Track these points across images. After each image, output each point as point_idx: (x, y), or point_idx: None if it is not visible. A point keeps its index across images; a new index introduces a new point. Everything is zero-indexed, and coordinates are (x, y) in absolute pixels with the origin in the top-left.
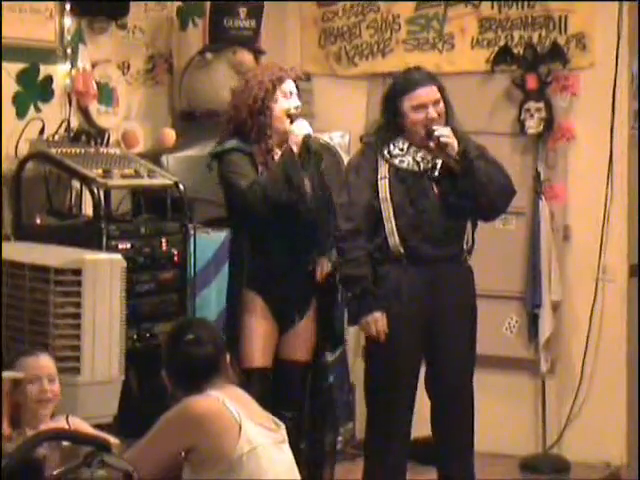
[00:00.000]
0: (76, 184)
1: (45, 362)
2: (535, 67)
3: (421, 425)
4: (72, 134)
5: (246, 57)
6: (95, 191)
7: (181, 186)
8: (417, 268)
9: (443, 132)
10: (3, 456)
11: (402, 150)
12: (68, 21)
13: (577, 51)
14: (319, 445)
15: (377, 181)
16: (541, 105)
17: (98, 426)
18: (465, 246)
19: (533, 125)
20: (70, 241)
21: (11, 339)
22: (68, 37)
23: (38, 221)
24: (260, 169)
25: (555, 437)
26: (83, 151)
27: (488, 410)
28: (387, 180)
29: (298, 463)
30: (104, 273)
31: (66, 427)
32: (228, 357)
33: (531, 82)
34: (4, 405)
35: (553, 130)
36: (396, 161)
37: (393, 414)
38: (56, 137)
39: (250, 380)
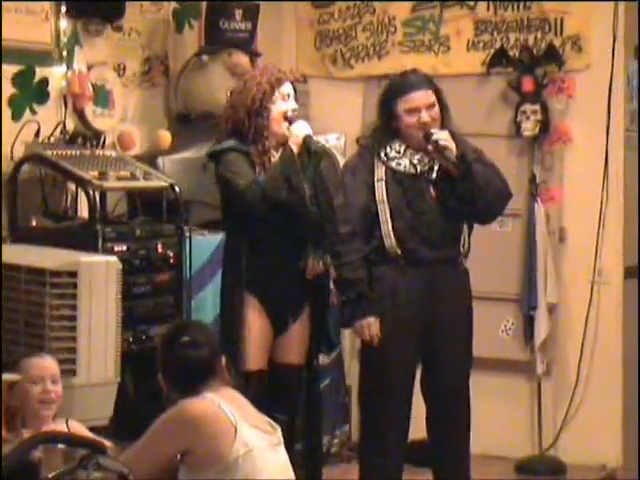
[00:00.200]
0: (72, 186)
1: (49, 363)
2: (531, 69)
3: (417, 427)
4: (68, 136)
5: (242, 59)
6: (91, 193)
7: (177, 188)
8: (414, 270)
9: (441, 136)
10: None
11: (399, 152)
12: (64, 23)
13: (573, 53)
14: (308, 447)
15: (374, 183)
16: (537, 107)
17: (94, 428)
18: (462, 249)
19: (529, 127)
20: (66, 243)
21: (7, 341)
22: (64, 39)
23: (34, 223)
24: (257, 170)
25: (551, 439)
26: (79, 153)
27: (484, 412)
28: (384, 182)
29: (293, 465)
30: (100, 275)
31: (64, 430)
32: (224, 359)
33: (527, 84)
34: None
35: (549, 132)
36: (393, 163)
37: (387, 417)
38: (52, 139)
39: (248, 383)
